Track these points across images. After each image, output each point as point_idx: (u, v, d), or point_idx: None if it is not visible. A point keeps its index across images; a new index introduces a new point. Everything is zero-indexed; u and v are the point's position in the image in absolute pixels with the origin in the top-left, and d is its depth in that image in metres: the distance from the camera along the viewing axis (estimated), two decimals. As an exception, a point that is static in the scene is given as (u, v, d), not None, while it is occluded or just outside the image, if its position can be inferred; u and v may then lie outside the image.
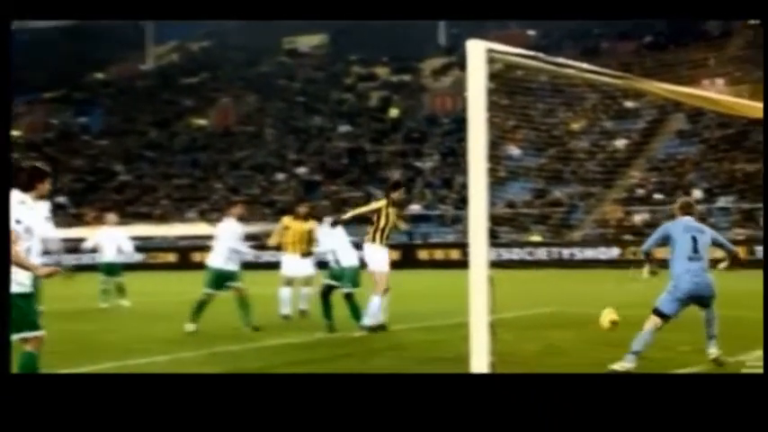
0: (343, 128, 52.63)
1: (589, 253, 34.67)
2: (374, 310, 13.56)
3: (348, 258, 13.85)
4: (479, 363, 6.43)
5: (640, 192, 38.41)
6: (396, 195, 14.15)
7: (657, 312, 9.77)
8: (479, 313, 6.51)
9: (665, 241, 9.98)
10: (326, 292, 13.84)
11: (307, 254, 15.97)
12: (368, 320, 13.55)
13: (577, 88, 36.37)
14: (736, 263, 10.27)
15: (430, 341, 12.78)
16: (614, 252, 34.66)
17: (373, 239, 13.82)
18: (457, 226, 37.54)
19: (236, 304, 14.45)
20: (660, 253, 10.17)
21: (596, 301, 19.30)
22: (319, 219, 14.71)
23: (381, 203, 14.09)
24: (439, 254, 34.67)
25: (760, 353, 10.45)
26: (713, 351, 9.85)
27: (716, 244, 10.07)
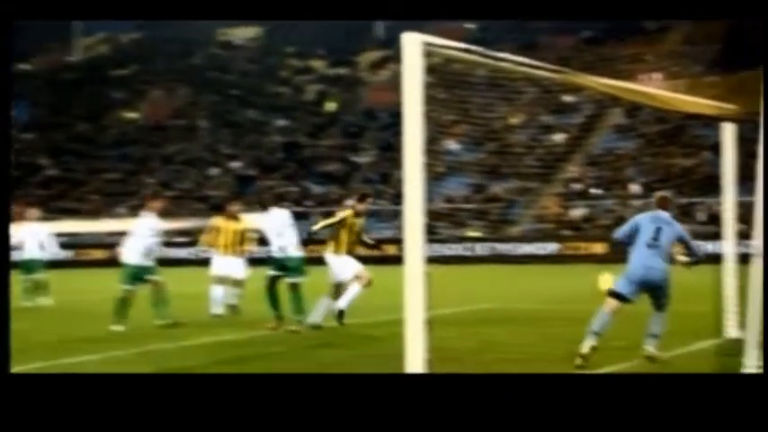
0: (279, 122, 52.42)
1: (527, 248, 35.03)
2: (349, 295, 13.74)
3: (294, 247, 13.82)
4: (415, 359, 6.47)
5: (578, 186, 38.89)
6: (362, 207, 14.20)
7: (612, 293, 10.00)
8: (415, 310, 6.55)
9: (634, 233, 10.16)
10: (272, 284, 13.78)
11: (239, 253, 15.93)
12: (343, 303, 13.75)
13: (516, 82, 36.67)
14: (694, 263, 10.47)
15: (366, 337, 12.82)
16: (553, 247, 35.06)
17: (336, 251, 13.90)
18: (395, 221, 37.66)
19: (152, 299, 14.41)
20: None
21: (534, 297, 19.60)
22: (265, 206, 14.59)
23: (347, 213, 14.10)
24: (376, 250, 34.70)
25: (700, 345, 10.69)
26: (650, 348, 10.01)
27: (681, 241, 10.26)
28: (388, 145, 44.29)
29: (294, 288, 13.77)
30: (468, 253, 34.71)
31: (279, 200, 15.58)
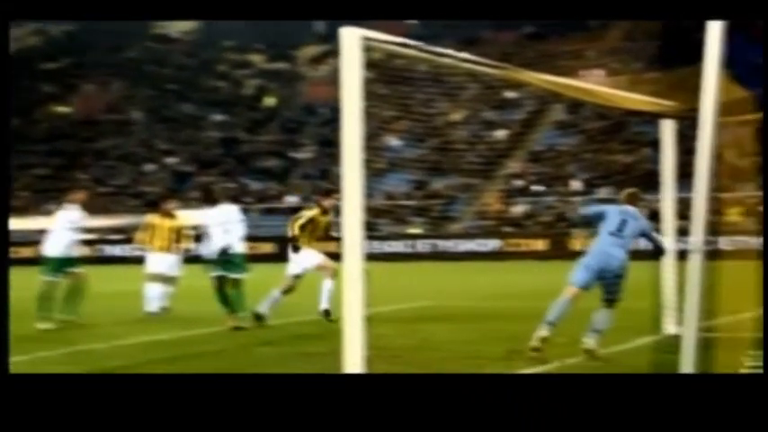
0: (217, 117, 52.08)
1: (469, 245, 35.25)
2: (327, 294, 13.74)
3: (238, 243, 13.74)
4: (353, 357, 6.49)
5: (520, 183, 39.23)
6: (328, 203, 14.14)
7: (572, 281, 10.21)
8: (353, 307, 6.58)
9: (599, 218, 10.31)
10: (221, 285, 13.67)
11: (175, 251, 15.84)
12: (324, 303, 13.76)
13: (457, 78, 36.87)
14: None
15: (304, 336, 12.81)
16: (494, 244, 35.33)
17: (295, 247, 14.00)
18: (334, 218, 37.58)
19: (66, 292, 14.34)
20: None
21: (475, 294, 19.73)
22: (214, 201, 14.47)
23: (314, 212, 14.11)
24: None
25: (639, 342, 10.85)
26: (590, 342, 10.14)
27: (645, 236, 10.45)
28: (327, 141, 44.25)
29: (237, 285, 13.70)
30: (408, 250, 34.82)
31: (228, 194, 15.39)
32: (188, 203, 30.99)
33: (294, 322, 14.09)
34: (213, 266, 13.79)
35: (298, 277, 14.02)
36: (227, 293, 13.68)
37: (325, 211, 14.18)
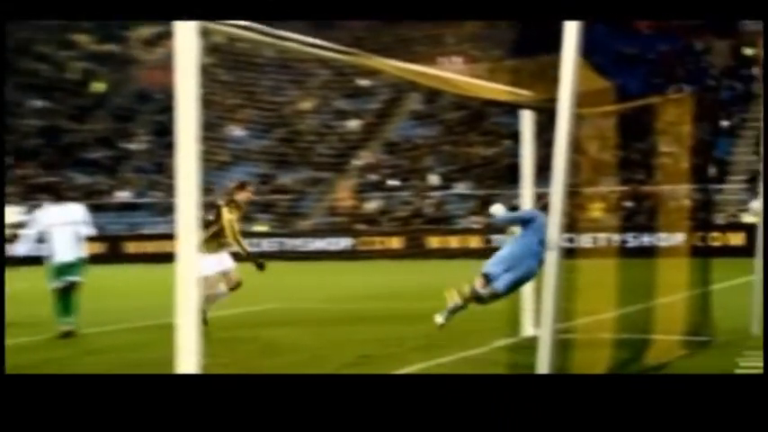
0: (36, 103, 50.70)
1: (319, 244, 35.37)
2: (215, 299, 13.43)
3: (73, 248, 13.41)
4: (187, 366, 6.48)
5: (374, 177, 39.57)
6: (241, 197, 13.79)
7: (485, 275, 10.56)
8: (188, 311, 6.55)
9: (522, 222, 10.55)
10: (64, 289, 13.27)
11: None
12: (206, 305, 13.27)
13: (307, 64, 36.92)
14: None
15: (136, 344, 12.66)
16: (346, 242, 35.55)
17: (204, 248, 13.39)
18: (171, 215, 37.09)
19: None
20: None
21: (325, 296, 19.83)
22: (59, 198, 14.04)
23: (223, 213, 13.52)
24: (150, 246, 34.27)
25: (498, 343, 11.17)
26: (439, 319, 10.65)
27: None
28: (163, 130, 43.62)
29: (74, 289, 13.43)
30: (253, 249, 34.64)
31: (71, 192, 14.94)
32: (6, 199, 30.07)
33: (126, 329, 13.93)
34: (55, 270, 13.39)
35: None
36: (69, 298, 13.33)
37: (237, 207, 13.70)
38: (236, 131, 41.03)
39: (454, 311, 10.64)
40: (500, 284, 10.54)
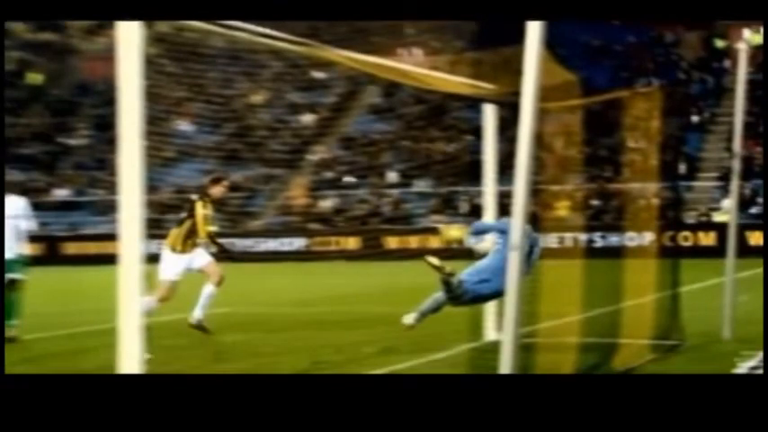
0: (-30, 95, 50.26)
1: (271, 244, 35.34)
2: (205, 301, 13.30)
3: (12, 244, 13.36)
4: (131, 372, 6.46)
5: (329, 174, 39.57)
6: (216, 191, 13.72)
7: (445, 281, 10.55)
8: (131, 315, 6.53)
9: (500, 232, 10.55)
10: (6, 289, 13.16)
11: None
12: (199, 312, 13.24)
13: (258, 56, 36.84)
14: None
15: (73, 351, 12.57)
16: (300, 242, 35.54)
17: (173, 247, 13.25)
18: (113, 215, 36.90)
19: None
20: None
21: (278, 299, 19.82)
22: None
23: (197, 209, 13.39)
24: (92, 247, 34.12)
25: (460, 347, 11.22)
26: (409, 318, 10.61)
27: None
28: (105, 125, 43.37)
29: (13, 288, 13.28)
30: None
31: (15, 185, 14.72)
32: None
33: (64, 335, 13.84)
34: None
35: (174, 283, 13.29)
36: (11, 299, 13.20)
37: (213, 201, 13.69)
38: (183, 126, 40.86)
39: (426, 314, 10.57)
40: (468, 295, 10.55)
